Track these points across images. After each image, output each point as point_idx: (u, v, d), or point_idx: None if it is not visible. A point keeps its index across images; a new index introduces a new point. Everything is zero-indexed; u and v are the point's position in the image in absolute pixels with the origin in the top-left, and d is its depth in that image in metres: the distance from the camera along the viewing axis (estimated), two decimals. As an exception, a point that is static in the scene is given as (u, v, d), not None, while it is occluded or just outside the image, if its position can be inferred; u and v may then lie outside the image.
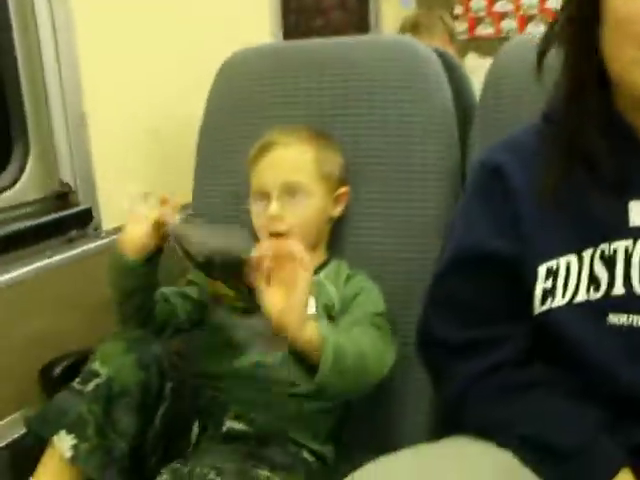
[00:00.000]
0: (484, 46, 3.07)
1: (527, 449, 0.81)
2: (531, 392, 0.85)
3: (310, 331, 0.94)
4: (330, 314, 1.13)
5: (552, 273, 0.85)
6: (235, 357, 1.14)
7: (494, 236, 0.89)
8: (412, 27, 2.44)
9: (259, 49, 1.40)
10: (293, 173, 1.16)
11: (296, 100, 1.31)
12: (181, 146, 1.51)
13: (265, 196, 1.16)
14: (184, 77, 1.57)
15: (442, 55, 1.30)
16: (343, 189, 1.22)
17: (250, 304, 0.95)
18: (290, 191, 1.15)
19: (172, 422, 1.08)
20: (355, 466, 0.95)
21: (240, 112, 1.35)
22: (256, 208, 1.18)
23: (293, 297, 0.91)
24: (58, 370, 1.20)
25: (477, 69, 2.19)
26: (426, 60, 1.25)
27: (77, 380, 1.01)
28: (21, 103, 1.28)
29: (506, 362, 0.87)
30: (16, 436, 1.13)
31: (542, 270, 0.85)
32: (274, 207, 1.14)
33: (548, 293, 0.85)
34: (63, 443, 0.97)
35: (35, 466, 1.01)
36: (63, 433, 0.97)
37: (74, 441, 0.97)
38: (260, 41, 1.50)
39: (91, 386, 1.00)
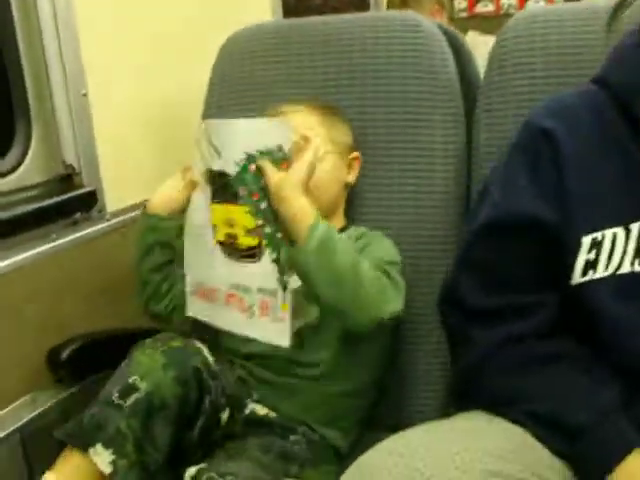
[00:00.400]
0: (484, 24, 3.05)
1: (538, 425, 0.81)
2: (550, 366, 0.84)
3: (304, 202, 0.96)
4: None
5: (597, 244, 0.83)
6: None
7: (538, 201, 0.86)
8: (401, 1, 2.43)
9: (261, 27, 1.39)
10: (304, 131, 1.14)
11: (300, 78, 1.30)
12: (185, 126, 1.50)
13: None
14: (186, 56, 1.56)
15: (446, 31, 1.29)
16: (355, 153, 1.22)
17: (264, 217, 0.98)
18: None
19: (211, 432, 1.07)
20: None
21: (243, 90, 1.35)
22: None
23: (293, 167, 0.96)
24: (65, 354, 1.20)
25: (478, 46, 2.18)
26: (431, 36, 1.24)
27: (116, 394, 0.98)
28: (23, 85, 1.27)
29: (529, 334, 0.86)
30: (25, 419, 1.13)
31: (587, 240, 0.84)
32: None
33: (590, 264, 0.84)
34: (100, 457, 0.95)
35: (45, 449, 1.01)
36: (99, 446, 0.96)
37: (113, 457, 0.95)
38: (260, 20, 1.48)
39: (130, 401, 0.97)
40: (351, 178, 1.22)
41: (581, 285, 0.84)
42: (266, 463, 1.02)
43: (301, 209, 0.96)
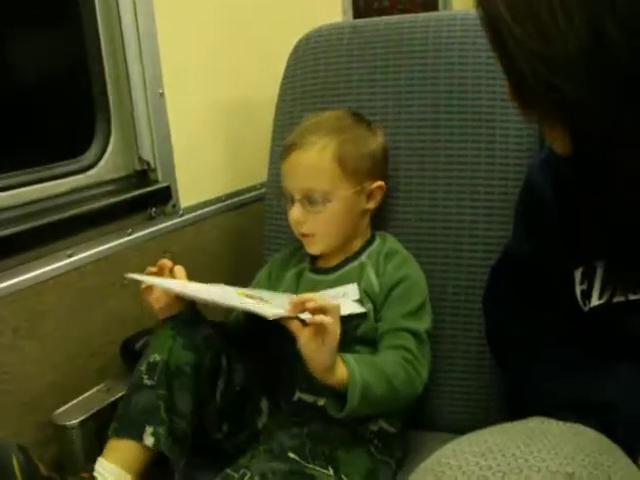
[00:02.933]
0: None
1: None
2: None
3: (340, 374, 0.98)
4: (372, 298, 1.13)
5: (587, 276, 0.88)
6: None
7: (526, 241, 0.97)
8: None
9: (334, 27, 1.39)
10: (312, 179, 1.12)
11: (373, 78, 1.30)
12: (257, 126, 1.52)
13: (289, 197, 1.16)
14: (259, 57, 1.58)
15: (521, 31, 1.27)
16: (377, 184, 1.17)
17: None
18: (310, 197, 1.12)
19: (236, 395, 1.11)
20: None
21: (316, 90, 1.35)
22: (286, 206, 1.18)
23: (325, 343, 0.95)
24: (139, 345, 1.23)
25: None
26: (506, 36, 1.22)
27: (144, 375, 1.05)
28: (104, 85, 1.32)
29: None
30: (99, 407, 1.16)
31: (577, 274, 0.89)
32: (295, 212, 1.13)
33: (585, 294, 0.89)
34: (147, 436, 1.01)
35: (106, 441, 1.04)
36: (147, 428, 1.01)
37: (151, 428, 1.01)
38: (331, 21, 1.49)
39: (156, 375, 1.04)
40: (371, 205, 1.18)
41: (589, 312, 0.89)
42: (290, 446, 1.03)
43: (339, 384, 0.98)
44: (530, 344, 0.96)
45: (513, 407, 1.01)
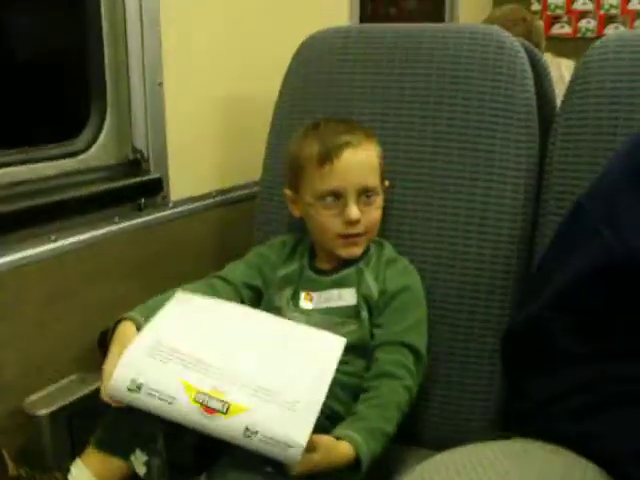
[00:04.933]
0: (559, 46, 3.00)
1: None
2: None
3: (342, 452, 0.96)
4: (370, 304, 1.13)
5: None
6: None
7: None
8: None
9: (340, 30, 1.38)
10: (369, 175, 1.14)
11: (375, 85, 1.28)
12: (254, 123, 1.50)
13: (338, 199, 1.13)
14: (261, 55, 1.57)
15: (528, 50, 1.26)
16: (386, 183, 1.20)
17: None
18: (366, 193, 1.14)
19: None
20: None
21: (316, 93, 1.34)
22: (326, 211, 1.15)
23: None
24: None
25: (551, 68, 2.15)
26: (513, 54, 1.21)
27: None
28: (102, 69, 1.29)
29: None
30: (73, 398, 1.14)
31: None
32: (355, 211, 1.12)
33: None
34: (137, 460, 0.97)
35: (90, 428, 1.02)
36: (138, 451, 0.97)
37: (145, 457, 0.97)
38: (337, 24, 1.48)
39: None
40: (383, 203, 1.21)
41: None
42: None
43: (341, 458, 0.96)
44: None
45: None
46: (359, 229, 1.14)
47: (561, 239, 0.97)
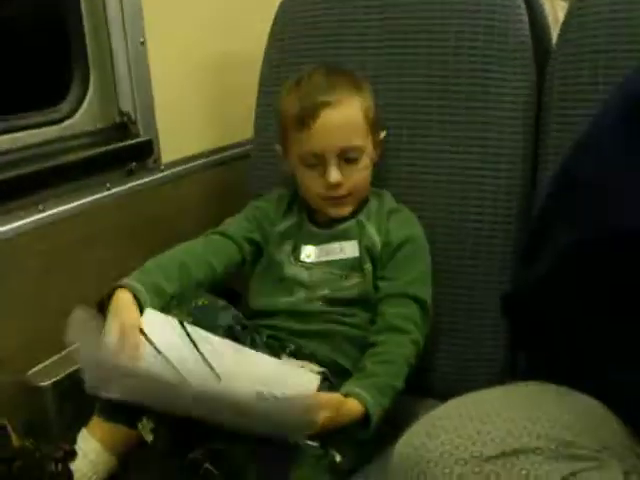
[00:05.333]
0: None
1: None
2: None
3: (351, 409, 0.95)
4: (373, 256, 1.11)
5: None
6: (287, 294, 1.13)
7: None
8: None
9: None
10: (350, 136, 1.10)
11: (365, 31, 1.25)
12: (243, 81, 1.46)
13: (319, 161, 1.10)
14: (247, 9, 1.52)
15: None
16: (383, 134, 1.17)
17: None
18: (348, 154, 1.10)
19: None
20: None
21: (304, 43, 1.30)
22: (308, 173, 1.12)
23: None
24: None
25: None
26: (506, -10, 1.18)
27: None
28: (82, 31, 1.25)
29: None
30: (75, 368, 1.12)
31: None
32: (335, 174, 1.09)
33: None
34: (145, 428, 0.96)
35: (82, 402, 1.00)
36: (145, 419, 0.96)
37: (152, 425, 0.96)
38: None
39: None
40: (377, 157, 1.17)
41: None
42: None
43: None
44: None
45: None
46: (341, 192, 1.11)
47: (550, 206, 0.89)
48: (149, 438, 0.95)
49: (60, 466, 0.93)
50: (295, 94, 1.12)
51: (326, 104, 1.08)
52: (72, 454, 0.95)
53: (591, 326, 0.79)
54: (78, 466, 0.95)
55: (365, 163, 1.12)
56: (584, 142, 0.85)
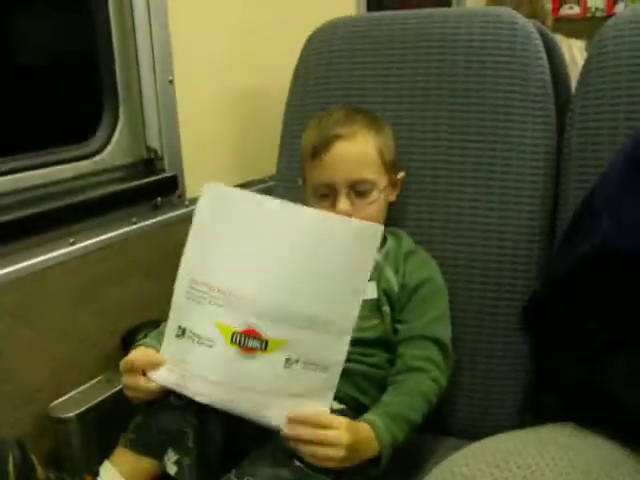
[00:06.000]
0: (568, 27, 2.97)
1: None
2: None
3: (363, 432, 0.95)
4: (390, 298, 1.11)
5: None
6: None
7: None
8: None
9: (350, 19, 1.37)
10: (361, 169, 1.11)
11: (388, 73, 1.27)
12: (266, 118, 1.50)
13: (330, 191, 1.12)
14: (272, 48, 1.56)
15: (541, 32, 1.25)
16: (401, 175, 1.19)
17: None
18: (357, 187, 1.11)
19: None
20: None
21: (328, 84, 1.32)
22: (320, 203, 1.13)
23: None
24: (141, 337, 1.20)
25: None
26: (527, 36, 1.20)
27: (172, 396, 0.97)
28: (113, 69, 1.29)
29: None
30: (100, 398, 1.14)
31: None
32: (344, 205, 1.10)
33: None
34: (170, 460, 0.96)
35: (116, 429, 1.01)
36: (170, 451, 0.96)
37: (176, 456, 0.96)
38: (344, 14, 1.46)
39: (186, 398, 0.96)
40: (394, 197, 1.19)
41: None
42: (296, 454, 0.97)
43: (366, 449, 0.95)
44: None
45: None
46: None
47: (571, 224, 0.97)
48: (172, 470, 0.95)
49: (84, 498, 0.94)
50: (315, 129, 1.16)
51: (340, 137, 1.11)
52: None
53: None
54: None
55: (376, 198, 1.12)
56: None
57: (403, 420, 1.00)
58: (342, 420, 0.94)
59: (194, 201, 1.38)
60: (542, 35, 1.24)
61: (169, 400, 0.98)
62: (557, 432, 0.83)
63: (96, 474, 0.98)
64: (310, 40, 1.36)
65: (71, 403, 1.13)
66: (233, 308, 0.92)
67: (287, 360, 0.90)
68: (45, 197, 1.17)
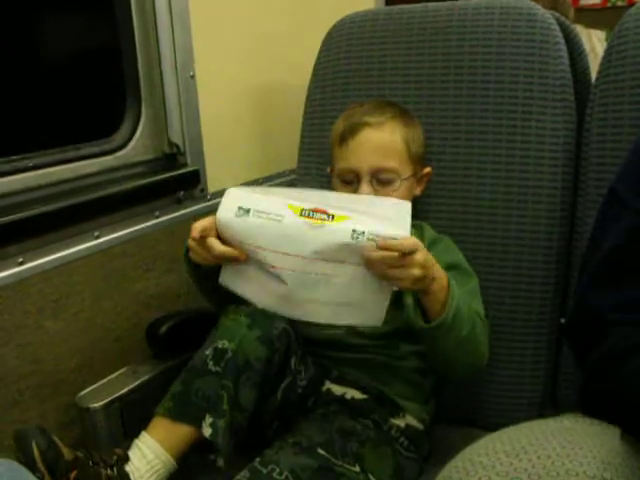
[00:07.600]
0: (588, 17, 2.94)
1: None
2: None
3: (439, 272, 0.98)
4: None
5: None
6: (329, 326, 1.11)
7: None
8: None
9: (368, 13, 1.37)
10: (385, 157, 1.13)
11: (407, 66, 1.27)
12: (287, 112, 1.51)
13: (354, 177, 1.14)
14: (292, 43, 1.57)
15: (561, 23, 1.24)
16: (427, 170, 1.20)
17: None
18: (381, 175, 1.13)
19: (294, 394, 1.07)
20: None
21: (347, 78, 1.33)
22: (343, 188, 1.16)
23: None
24: (164, 329, 1.22)
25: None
26: (546, 27, 1.20)
27: (210, 362, 1.00)
28: (135, 66, 1.30)
29: None
30: (125, 389, 1.16)
31: None
32: (365, 189, 1.12)
33: None
34: (206, 424, 0.98)
35: (141, 418, 1.03)
36: (208, 417, 0.98)
37: (211, 419, 0.97)
38: (363, 8, 1.47)
39: (223, 364, 0.99)
40: (419, 192, 1.20)
41: None
42: (319, 442, 1.00)
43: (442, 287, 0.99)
44: None
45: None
46: None
47: (596, 225, 0.95)
48: (207, 432, 0.96)
49: (115, 469, 0.95)
50: (346, 117, 1.18)
51: (368, 124, 1.13)
52: (125, 459, 0.97)
53: None
54: (136, 465, 0.97)
55: (399, 187, 1.13)
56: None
57: (465, 304, 1.02)
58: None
59: (216, 195, 1.42)
60: (561, 26, 1.23)
61: (205, 366, 1.00)
62: (578, 422, 0.83)
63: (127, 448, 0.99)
64: (329, 35, 1.37)
65: (97, 393, 1.15)
66: (300, 199, 0.99)
67: (353, 231, 0.93)
68: (71, 192, 1.19)
